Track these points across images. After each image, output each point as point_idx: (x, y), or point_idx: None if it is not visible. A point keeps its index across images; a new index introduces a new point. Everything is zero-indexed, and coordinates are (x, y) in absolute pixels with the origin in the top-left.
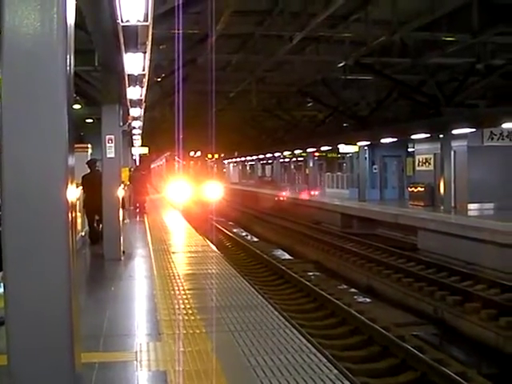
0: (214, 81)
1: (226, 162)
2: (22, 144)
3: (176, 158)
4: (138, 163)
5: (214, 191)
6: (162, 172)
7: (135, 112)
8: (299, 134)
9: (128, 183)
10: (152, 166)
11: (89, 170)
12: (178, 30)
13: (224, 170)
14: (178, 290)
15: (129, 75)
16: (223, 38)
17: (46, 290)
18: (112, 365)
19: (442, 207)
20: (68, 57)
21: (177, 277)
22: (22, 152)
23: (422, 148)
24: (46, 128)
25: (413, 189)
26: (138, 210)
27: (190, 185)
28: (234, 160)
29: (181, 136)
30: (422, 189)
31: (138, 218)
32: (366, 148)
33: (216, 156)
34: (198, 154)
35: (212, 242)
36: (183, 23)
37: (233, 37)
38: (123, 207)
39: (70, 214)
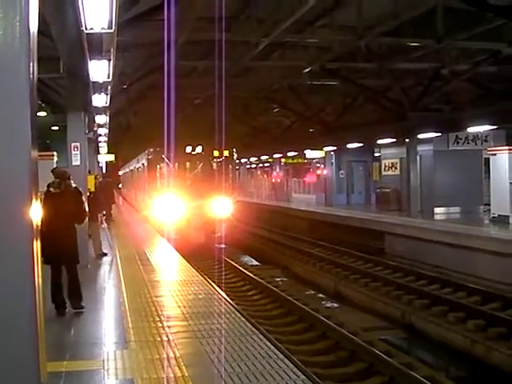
0: (181, 87)
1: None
2: None
3: (164, 157)
4: (103, 171)
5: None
6: (140, 181)
7: (101, 119)
8: (266, 140)
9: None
10: (121, 172)
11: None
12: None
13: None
14: (146, 297)
15: (94, 82)
16: (188, 45)
17: (8, 297)
18: (79, 374)
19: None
20: (31, 64)
21: (145, 284)
22: None
23: (388, 153)
24: (8, 136)
25: (379, 193)
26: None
27: (185, 199)
28: None
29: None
30: (389, 193)
31: (104, 226)
32: (332, 153)
33: (226, 153)
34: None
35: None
36: (148, 30)
37: (198, 43)
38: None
39: (34, 223)
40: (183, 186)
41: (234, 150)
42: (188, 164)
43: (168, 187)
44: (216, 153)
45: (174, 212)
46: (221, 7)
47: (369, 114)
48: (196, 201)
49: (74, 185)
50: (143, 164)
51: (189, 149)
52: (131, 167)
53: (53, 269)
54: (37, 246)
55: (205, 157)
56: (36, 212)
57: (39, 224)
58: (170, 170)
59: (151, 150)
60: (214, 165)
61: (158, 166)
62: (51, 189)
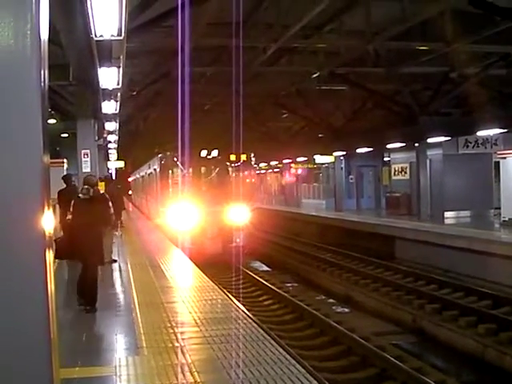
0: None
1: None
2: None
3: (178, 162)
4: (112, 177)
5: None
6: (152, 187)
7: (110, 126)
8: (275, 145)
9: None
10: (131, 178)
11: (65, 185)
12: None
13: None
14: (157, 303)
15: (103, 89)
16: (197, 51)
17: (21, 305)
18: (91, 380)
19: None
20: (42, 72)
21: (156, 290)
22: None
23: (398, 157)
24: (20, 144)
25: (389, 198)
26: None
27: (200, 206)
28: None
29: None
30: (399, 198)
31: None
32: (341, 158)
33: (244, 157)
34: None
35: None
36: (157, 36)
37: (207, 49)
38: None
39: (46, 230)
40: (198, 192)
41: (252, 154)
42: (203, 169)
43: (182, 193)
44: (233, 157)
45: (188, 220)
46: (238, 13)
47: (378, 118)
48: (212, 208)
49: (101, 191)
50: (155, 169)
51: (204, 153)
52: (142, 173)
53: (82, 267)
54: (49, 253)
55: (221, 161)
56: (48, 220)
57: (51, 232)
58: (185, 175)
59: (164, 154)
60: (231, 170)
61: (172, 172)
62: (80, 195)
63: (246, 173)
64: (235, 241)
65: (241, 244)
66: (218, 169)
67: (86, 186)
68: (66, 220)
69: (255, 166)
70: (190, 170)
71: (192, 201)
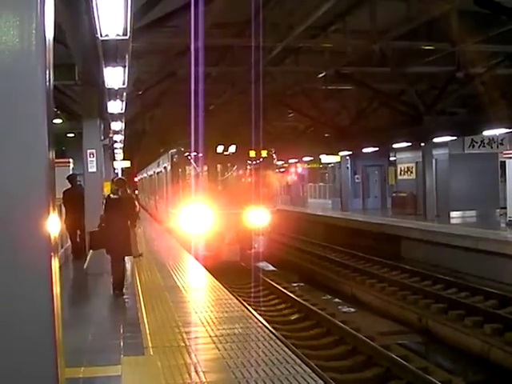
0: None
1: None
2: (0, 161)
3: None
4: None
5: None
6: (161, 186)
7: (116, 126)
8: (280, 145)
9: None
10: (138, 177)
11: (70, 185)
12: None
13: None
14: (163, 303)
15: (109, 89)
16: (202, 51)
17: (27, 306)
18: (96, 380)
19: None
20: (47, 72)
21: (161, 290)
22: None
23: (404, 157)
24: (25, 144)
25: (395, 198)
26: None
27: (216, 208)
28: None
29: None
30: (405, 197)
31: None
32: (347, 158)
33: (264, 153)
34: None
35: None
36: (162, 37)
37: (212, 49)
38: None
39: (51, 232)
40: (214, 193)
41: (273, 150)
42: (219, 167)
43: (196, 194)
44: (252, 153)
45: (202, 223)
46: (257, 15)
47: (384, 118)
48: (229, 210)
49: (128, 192)
50: (165, 167)
51: (220, 149)
52: (150, 172)
53: (112, 259)
54: (54, 253)
55: (239, 158)
56: (53, 220)
57: (57, 232)
58: (198, 173)
59: (175, 150)
60: (250, 168)
61: (184, 170)
62: (111, 195)
63: (266, 171)
64: (254, 246)
65: (260, 250)
66: (235, 166)
67: (116, 187)
68: (70, 219)
69: (277, 163)
70: (205, 167)
71: (207, 202)
